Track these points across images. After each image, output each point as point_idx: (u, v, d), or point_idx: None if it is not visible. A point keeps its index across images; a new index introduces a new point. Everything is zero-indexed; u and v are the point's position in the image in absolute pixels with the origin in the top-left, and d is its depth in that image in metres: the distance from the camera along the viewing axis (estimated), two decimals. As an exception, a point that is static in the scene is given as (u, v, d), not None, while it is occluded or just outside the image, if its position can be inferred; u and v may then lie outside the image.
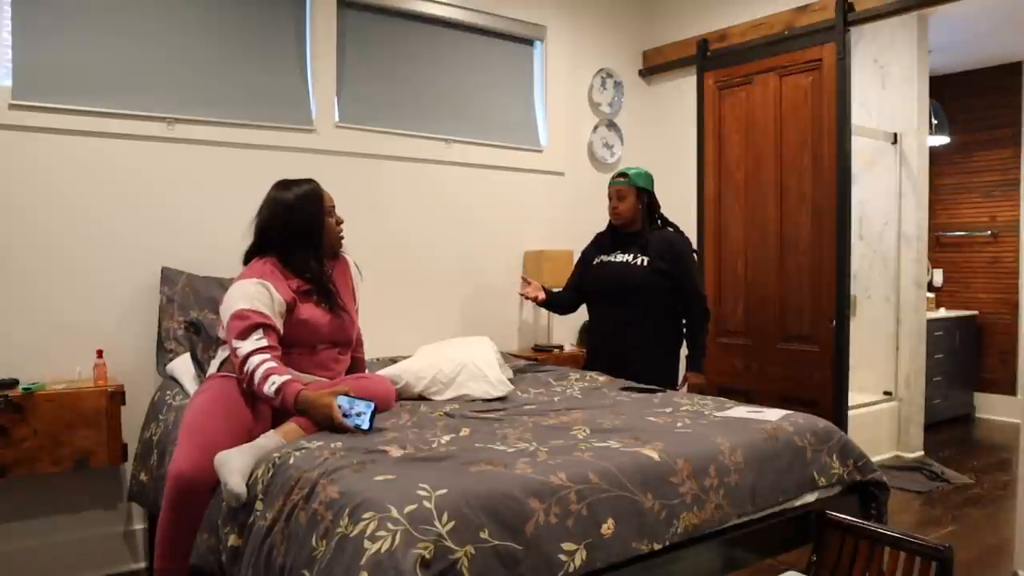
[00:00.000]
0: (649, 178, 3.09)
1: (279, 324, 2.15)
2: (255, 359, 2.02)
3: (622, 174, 3.08)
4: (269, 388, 1.98)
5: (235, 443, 1.90)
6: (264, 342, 2.05)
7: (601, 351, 3.15)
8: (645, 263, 2.98)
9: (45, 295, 2.76)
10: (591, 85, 4.31)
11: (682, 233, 3.14)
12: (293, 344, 2.21)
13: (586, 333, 3.43)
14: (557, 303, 3.25)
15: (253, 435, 1.96)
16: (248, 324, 2.06)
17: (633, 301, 2.98)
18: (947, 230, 5.91)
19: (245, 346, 2.04)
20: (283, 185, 2.33)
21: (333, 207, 2.39)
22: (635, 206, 3.04)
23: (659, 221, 3.11)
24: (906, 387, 4.64)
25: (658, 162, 4.51)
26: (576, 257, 3.33)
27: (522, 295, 3.16)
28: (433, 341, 2.94)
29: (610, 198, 3.09)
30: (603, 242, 3.19)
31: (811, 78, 3.64)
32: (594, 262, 3.16)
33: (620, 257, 3.06)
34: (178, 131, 3.01)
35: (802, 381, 3.68)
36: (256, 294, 2.12)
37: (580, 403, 2.44)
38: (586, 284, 3.19)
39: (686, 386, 3.04)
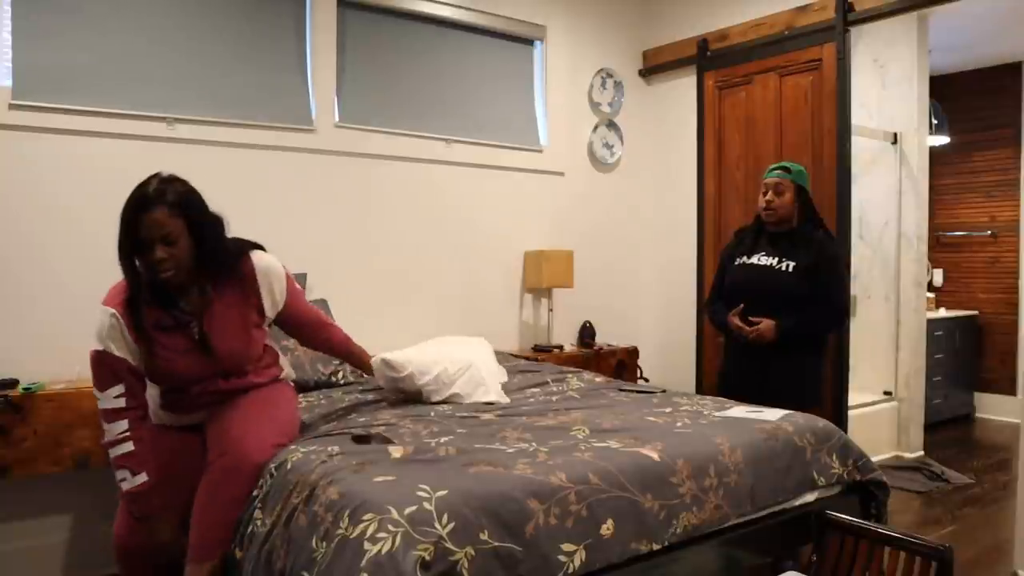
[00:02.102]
0: (807, 176, 2.89)
1: (136, 360, 1.89)
2: (112, 428, 1.83)
3: (782, 167, 2.84)
4: (119, 478, 1.85)
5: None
6: (122, 401, 1.85)
7: (741, 361, 2.88)
8: (790, 268, 2.75)
9: (45, 295, 2.76)
10: (591, 85, 4.31)
11: (833, 237, 2.94)
12: (159, 382, 2.01)
13: (724, 342, 3.08)
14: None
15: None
16: (104, 372, 1.85)
17: (775, 309, 2.72)
18: (947, 230, 5.90)
19: (103, 401, 1.85)
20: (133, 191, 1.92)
21: (163, 235, 1.85)
22: (792, 203, 2.81)
23: (813, 223, 2.85)
24: (906, 387, 4.63)
25: (658, 162, 4.53)
26: (574, 257, 3.24)
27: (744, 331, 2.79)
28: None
29: (764, 191, 2.83)
30: (744, 241, 2.94)
31: (811, 78, 3.64)
32: (735, 263, 2.91)
33: (764, 260, 2.81)
34: (178, 131, 3.01)
35: (802, 381, 3.67)
36: (108, 331, 1.84)
37: (579, 403, 2.44)
38: (727, 288, 2.92)
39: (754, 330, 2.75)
